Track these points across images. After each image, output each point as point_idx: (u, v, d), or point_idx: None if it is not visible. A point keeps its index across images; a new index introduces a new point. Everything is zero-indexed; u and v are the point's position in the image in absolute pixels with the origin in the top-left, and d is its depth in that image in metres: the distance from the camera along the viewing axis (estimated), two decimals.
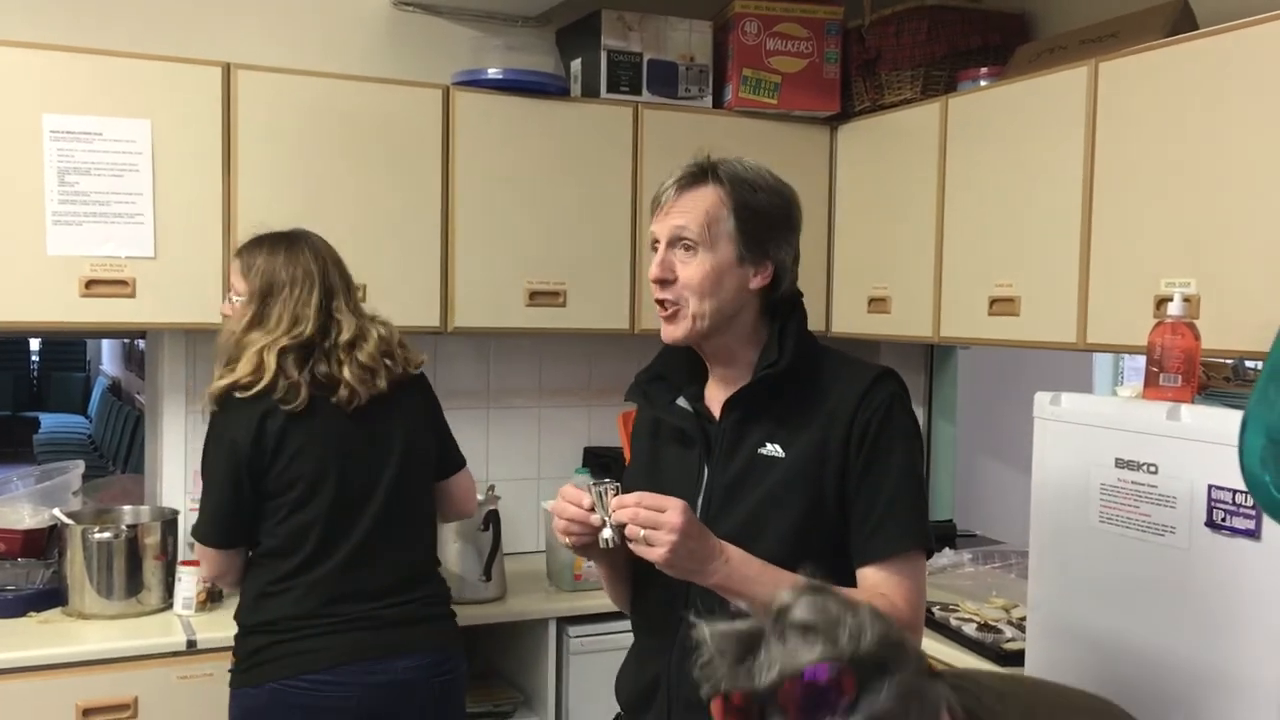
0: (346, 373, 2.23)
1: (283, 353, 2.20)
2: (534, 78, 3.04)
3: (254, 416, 2.19)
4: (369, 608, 2.23)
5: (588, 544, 1.55)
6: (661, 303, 1.64)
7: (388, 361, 2.30)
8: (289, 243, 2.30)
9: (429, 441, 2.42)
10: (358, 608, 2.22)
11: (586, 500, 1.52)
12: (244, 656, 2.25)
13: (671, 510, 1.46)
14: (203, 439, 2.29)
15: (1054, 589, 2.18)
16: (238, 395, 2.19)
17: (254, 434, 2.19)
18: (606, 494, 1.51)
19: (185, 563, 2.71)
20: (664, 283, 1.63)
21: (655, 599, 1.69)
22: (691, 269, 1.60)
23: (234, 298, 2.31)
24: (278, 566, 2.23)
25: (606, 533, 1.50)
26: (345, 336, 2.25)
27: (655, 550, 1.45)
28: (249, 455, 2.20)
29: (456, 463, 2.53)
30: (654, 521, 1.45)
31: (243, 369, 2.19)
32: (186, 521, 2.89)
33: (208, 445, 2.27)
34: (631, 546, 1.49)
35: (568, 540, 1.56)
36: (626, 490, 1.52)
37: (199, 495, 2.32)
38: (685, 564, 1.47)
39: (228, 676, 2.29)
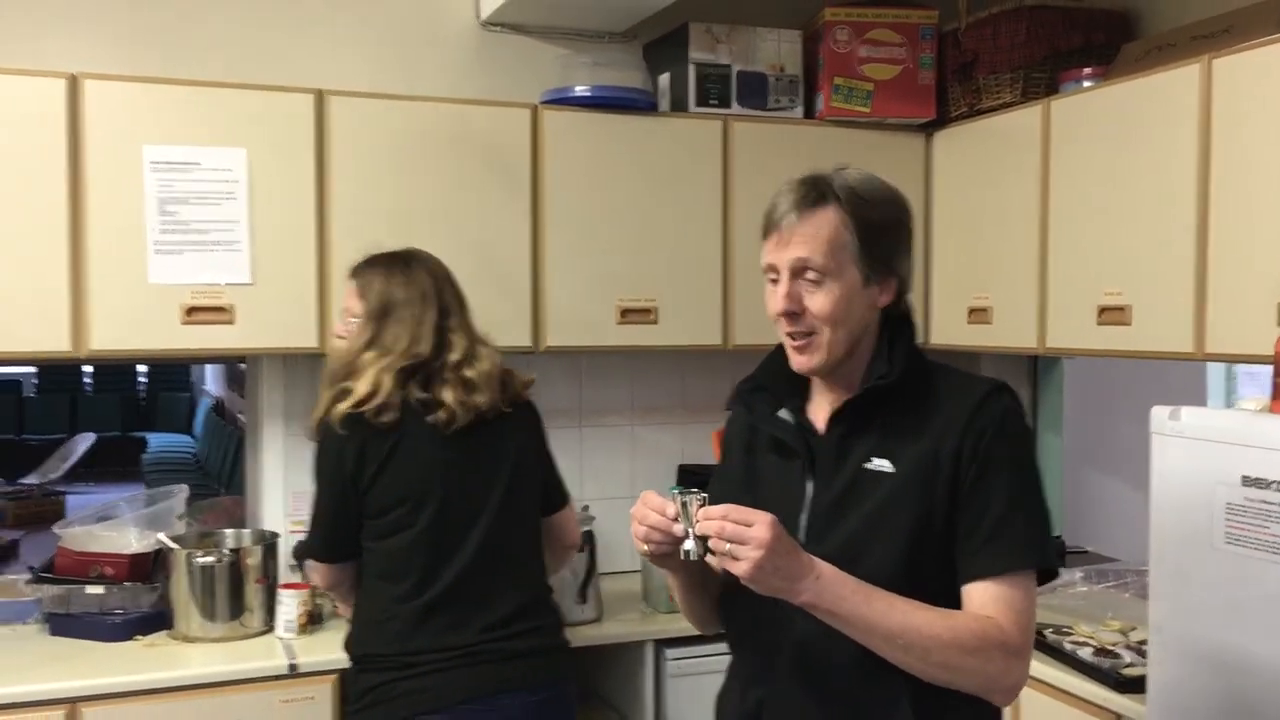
0: (448, 394, 2.19)
1: (400, 373, 2.18)
2: (622, 94, 3.02)
3: (363, 434, 2.17)
4: (478, 641, 2.18)
5: (666, 554, 1.50)
6: (791, 334, 1.58)
7: (499, 383, 2.26)
8: (404, 262, 2.29)
9: (538, 470, 2.39)
10: (468, 641, 2.17)
11: (671, 509, 1.46)
12: (359, 695, 2.20)
13: (759, 524, 1.40)
14: (301, 461, 2.29)
15: (1178, 612, 2.07)
16: (354, 414, 2.15)
17: (359, 452, 2.17)
18: (692, 504, 1.45)
19: (286, 585, 2.74)
20: (792, 315, 1.56)
21: (751, 618, 1.63)
22: (820, 299, 1.54)
23: (350, 319, 2.29)
24: (386, 592, 2.20)
25: (689, 544, 1.44)
26: (455, 356, 2.22)
27: (740, 565, 1.40)
28: (353, 473, 2.18)
29: (563, 498, 2.49)
30: (740, 536, 1.40)
31: (361, 389, 2.16)
32: (286, 544, 2.92)
33: (319, 462, 2.24)
34: (716, 560, 1.44)
35: (646, 548, 1.50)
36: (716, 502, 1.45)
37: (302, 515, 2.31)
38: (771, 580, 1.41)
39: (329, 700, 2.28)
